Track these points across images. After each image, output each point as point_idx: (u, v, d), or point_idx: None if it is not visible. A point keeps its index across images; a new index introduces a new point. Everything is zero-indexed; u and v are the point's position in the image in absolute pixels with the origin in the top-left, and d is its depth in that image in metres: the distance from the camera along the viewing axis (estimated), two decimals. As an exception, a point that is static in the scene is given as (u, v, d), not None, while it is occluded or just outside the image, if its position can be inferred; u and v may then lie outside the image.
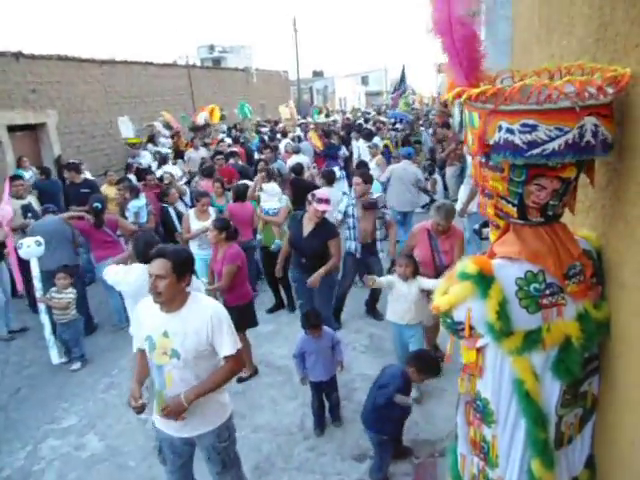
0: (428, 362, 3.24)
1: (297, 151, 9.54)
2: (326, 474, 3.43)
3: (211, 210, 5.90)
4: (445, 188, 9.39)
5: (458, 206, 6.03)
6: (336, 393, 3.90)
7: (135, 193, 6.72)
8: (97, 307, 6.08)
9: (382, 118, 15.37)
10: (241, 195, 6.08)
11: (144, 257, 3.43)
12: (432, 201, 7.24)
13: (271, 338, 5.39)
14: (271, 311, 6.00)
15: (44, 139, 11.28)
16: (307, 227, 4.53)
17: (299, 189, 6.62)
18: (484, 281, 1.68)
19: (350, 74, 45.73)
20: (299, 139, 12.19)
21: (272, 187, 6.43)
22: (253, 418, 4.06)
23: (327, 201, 4.45)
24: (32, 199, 6.90)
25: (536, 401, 1.69)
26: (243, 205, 6.05)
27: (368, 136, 10.60)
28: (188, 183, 8.52)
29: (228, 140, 12.67)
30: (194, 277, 3.79)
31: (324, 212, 4.45)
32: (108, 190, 7.52)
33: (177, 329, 2.41)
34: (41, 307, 5.00)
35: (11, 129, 10.16)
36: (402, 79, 12.71)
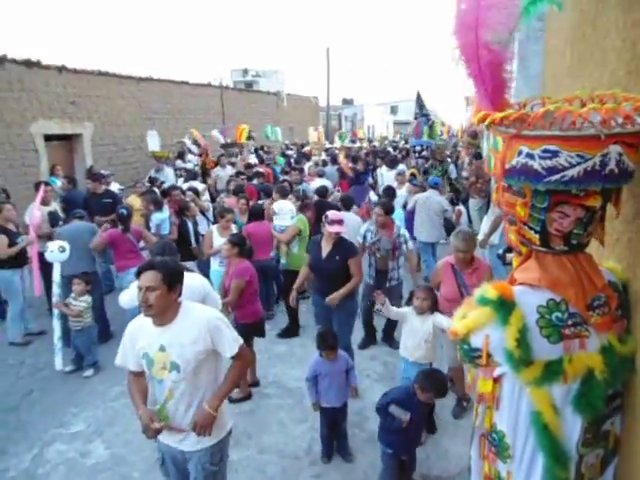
0: (434, 381, 3.14)
1: (321, 174, 9.64)
2: (330, 502, 3.34)
3: (234, 227, 5.96)
4: (469, 220, 9.30)
5: (480, 237, 5.94)
6: (345, 424, 3.78)
7: (158, 206, 6.85)
8: (113, 316, 6.12)
9: (408, 146, 15.45)
10: (256, 214, 6.16)
11: None
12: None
13: (284, 359, 5.33)
14: (282, 335, 5.85)
15: (78, 149, 11.70)
16: (325, 248, 4.49)
17: (322, 211, 6.66)
18: (504, 307, 1.63)
19: (380, 103, 46.34)
20: (324, 163, 12.32)
21: (284, 205, 6.45)
22: (260, 439, 3.99)
23: (340, 222, 4.39)
24: (57, 207, 7.13)
25: (555, 435, 1.62)
26: (261, 224, 6.09)
27: (392, 163, 10.62)
28: (213, 200, 8.64)
29: (254, 159, 12.90)
30: (214, 292, 3.84)
31: (337, 233, 4.39)
32: (134, 201, 7.65)
33: (173, 341, 2.37)
34: (55, 312, 5.09)
35: (48, 138, 10.60)
36: (421, 106, 12.70)
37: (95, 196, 7.38)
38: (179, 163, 11.79)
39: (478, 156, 9.63)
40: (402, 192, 8.30)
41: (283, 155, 15.36)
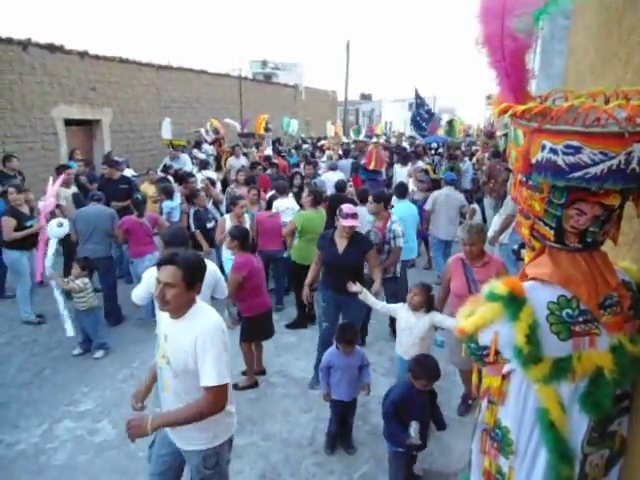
0: (425, 366, 3.11)
1: (334, 168, 9.59)
2: (331, 492, 3.36)
3: (247, 216, 5.97)
4: (484, 219, 9.21)
5: (490, 234, 5.86)
6: (352, 418, 3.79)
7: (169, 195, 6.88)
8: (125, 300, 6.17)
9: (422, 142, 15.31)
10: (270, 205, 6.17)
11: (171, 246, 3.49)
12: None
13: (291, 349, 5.36)
14: (290, 326, 5.86)
15: (97, 135, 11.83)
16: (341, 244, 4.37)
17: (338, 204, 6.61)
18: (515, 303, 1.60)
19: (398, 99, 45.93)
20: (340, 157, 12.27)
21: (282, 202, 6.38)
22: (264, 426, 4.02)
23: (354, 216, 4.26)
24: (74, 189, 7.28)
25: (561, 433, 1.60)
26: (272, 215, 6.09)
27: (405, 159, 10.53)
28: (224, 190, 8.64)
29: (269, 151, 12.91)
30: (223, 280, 3.86)
31: (352, 227, 4.27)
32: (147, 188, 7.71)
33: (173, 337, 2.30)
34: (52, 283, 5.15)
35: (68, 123, 10.72)
36: (418, 104, 12.46)
37: (111, 182, 7.44)
38: (196, 152, 11.85)
39: (496, 155, 9.52)
40: (412, 187, 8.31)
41: (297, 148, 15.33)
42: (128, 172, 9.18)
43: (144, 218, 5.75)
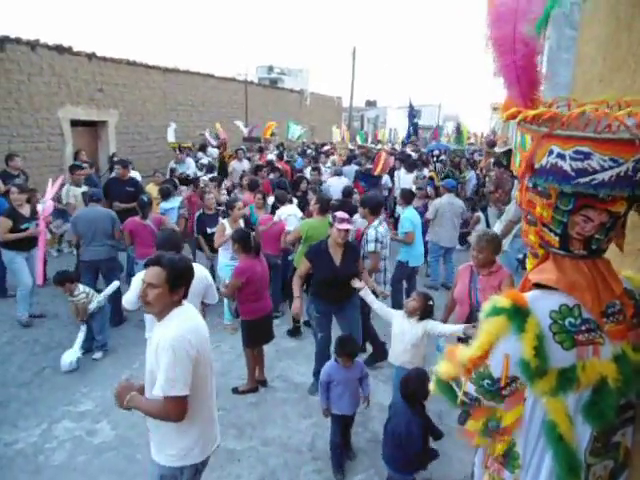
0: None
1: (339, 173, 9.58)
2: (330, 499, 3.33)
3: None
4: (488, 227, 9.19)
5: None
6: (351, 426, 3.75)
7: (165, 196, 6.89)
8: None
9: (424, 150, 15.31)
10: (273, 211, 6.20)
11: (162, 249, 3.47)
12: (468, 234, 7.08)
13: (292, 354, 5.34)
14: (290, 333, 5.81)
15: (102, 136, 11.89)
16: (336, 254, 4.30)
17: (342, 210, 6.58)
18: (519, 314, 1.55)
19: (403, 106, 45.97)
20: (344, 163, 12.25)
21: (285, 210, 6.37)
22: (264, 431, 4.00)
23: (348, 220, 4.33)
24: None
25: (570, 445, 1.55)
26: (275, 223, 6.09)
27: (411, 167, 10.49)
28: (228, 194, 8.62)
29: (272, 156, 12.93)
30: (214, 287, 3.82)
31: (347, 231, 4.30)
32: (152, 189, 7.73)
33: (152, 339, 2.28)
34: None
35: (74, 123, 10.78)
36: (412, 115, 12.50)
37: (120, 182, 7.44)
38: (200, 155, 11.88)
39: (499, 164, 9.52)
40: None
41: (303, 154, 15.34)
42: (134, 174, 9.21)
43: (148, 220, 5.76)
